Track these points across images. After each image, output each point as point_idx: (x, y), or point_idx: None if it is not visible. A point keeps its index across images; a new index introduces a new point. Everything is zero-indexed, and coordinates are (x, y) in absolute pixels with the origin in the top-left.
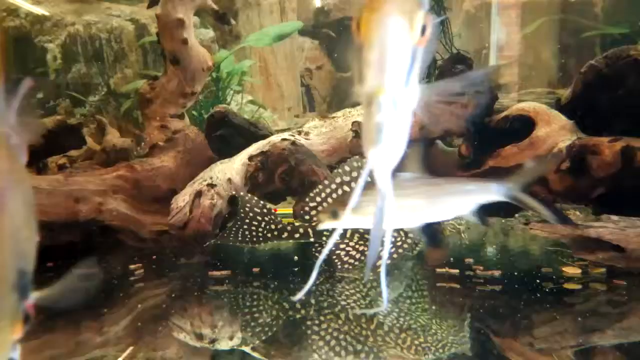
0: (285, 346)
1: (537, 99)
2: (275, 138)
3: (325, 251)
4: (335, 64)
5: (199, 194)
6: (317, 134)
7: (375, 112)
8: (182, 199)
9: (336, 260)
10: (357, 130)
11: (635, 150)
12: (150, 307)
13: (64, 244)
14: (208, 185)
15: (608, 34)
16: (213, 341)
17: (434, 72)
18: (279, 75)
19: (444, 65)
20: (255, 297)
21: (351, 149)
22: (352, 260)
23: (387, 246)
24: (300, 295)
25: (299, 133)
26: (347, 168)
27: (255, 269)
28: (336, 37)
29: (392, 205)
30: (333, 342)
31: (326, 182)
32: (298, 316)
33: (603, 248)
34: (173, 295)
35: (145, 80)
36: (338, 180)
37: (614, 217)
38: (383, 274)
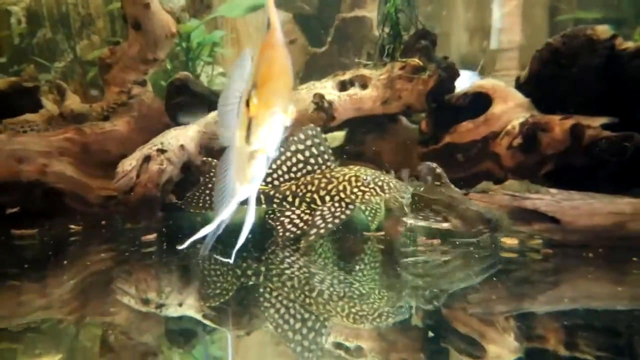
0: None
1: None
2: None
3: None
4: (309, 38)
5: (147, 159)
6: None
7: (255, 164)
8: (128, 163)
9: (279, 227)
10: (318, 102)
11: (584, 128)
12: (91, 270)
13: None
14: (158, 150)
15: (581, 19)
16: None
17: (399, 47)
18: (251, 47)
19: (409, 41)
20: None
21: (312, 121)
22: (294, 229)
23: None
24: (185, 245)
25: None
26: (301, 136)
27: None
28: (310, 10)
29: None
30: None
31: (281, 149)
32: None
33: (540, 220)
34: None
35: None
36: (293, 148)
37: (553, 190)
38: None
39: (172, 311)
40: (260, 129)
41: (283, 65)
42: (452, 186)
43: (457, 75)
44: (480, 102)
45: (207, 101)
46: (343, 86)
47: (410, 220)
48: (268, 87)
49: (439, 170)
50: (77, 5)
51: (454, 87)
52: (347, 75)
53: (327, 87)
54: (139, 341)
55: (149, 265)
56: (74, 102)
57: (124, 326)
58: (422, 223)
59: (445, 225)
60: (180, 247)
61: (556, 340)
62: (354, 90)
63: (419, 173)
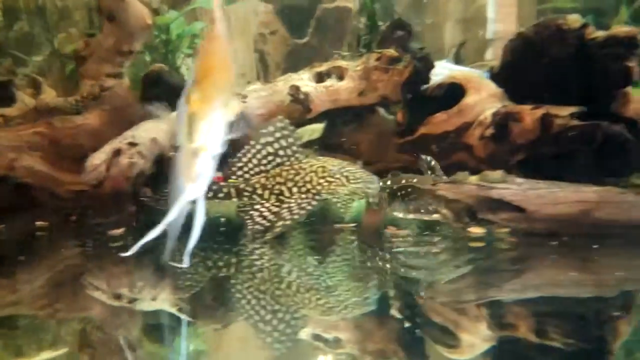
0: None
1: None
2: None
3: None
4: (290, 29)
5: (117, 152)
6: (256, 98)
7: (198, 162)
8: (98, 157)
9: (248, 220)
10: (293, 94)
11: (553, 118)
12: (59, 265)
13: None
14: (129, 143)
15: (560, 7)
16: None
17: (376, 37)
18: (230, 39)
19: (385, 32)
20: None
21: (288, 113)
22: (264, 221)
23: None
24: (132, 251)
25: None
26: (271, 128)
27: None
28: (292, 1)
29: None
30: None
31: (252, 142)
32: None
33: (506, 209)
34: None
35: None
36: (263, 140)
37: (519, 179)
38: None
39: (146, 305)
40: (200, 125)
41: (221, 58)
42: (445, 177)
43: (432, 66)
44: (456, 92)
45: (181, 92)
46: (320, 78)
47: (400, 214)
48: (206, 82)
49: (433, 162)
50: None
51: (429, 78)
52: (324, 67)
53: (304, 79)
54: (112, 335)
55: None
56: (49, 95)
57: (97, 320)
58: (411, 215)
59: (435, 216)
60: (125, 254)
61: (524, 328)
62: (331, 82)
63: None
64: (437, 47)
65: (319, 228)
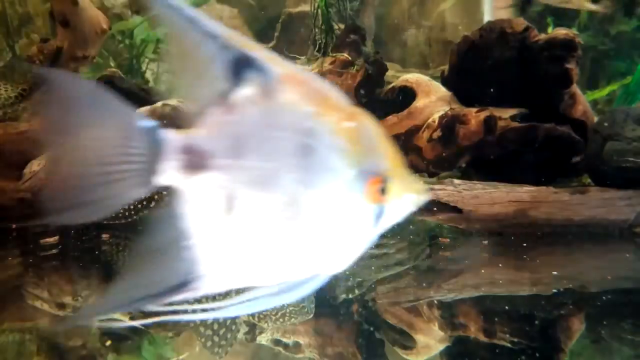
0: None
1: None
2: (158, 104)
3: None
4: (256, 34)
5: None
6: None
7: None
8: (37, 164)
9: None
10: None
11: (496, 120)
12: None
13: None
14: None
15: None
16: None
17: (331, 41)
18: None
19: (340, 35)
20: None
21: None
22: None
23: None
24: None
25: None
26: None
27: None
28: (256, 5)
29: None
30: None
31: None
32: None
33: (444, 210)
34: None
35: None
36: None
37: (457, 180)
38: None
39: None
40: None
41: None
42: None
43: (385, 69)
44: (406, 96)
45: (136, 98)
46: None
47: None
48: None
49: None
50: (15, 3)
51: (383, 81)
52: None
53: None
54: (58, 343)
55: (56, 268)
56: None
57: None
58: None
59: None
60: None
61: (464, 327)
62: None
63: None
64: None
65: None
